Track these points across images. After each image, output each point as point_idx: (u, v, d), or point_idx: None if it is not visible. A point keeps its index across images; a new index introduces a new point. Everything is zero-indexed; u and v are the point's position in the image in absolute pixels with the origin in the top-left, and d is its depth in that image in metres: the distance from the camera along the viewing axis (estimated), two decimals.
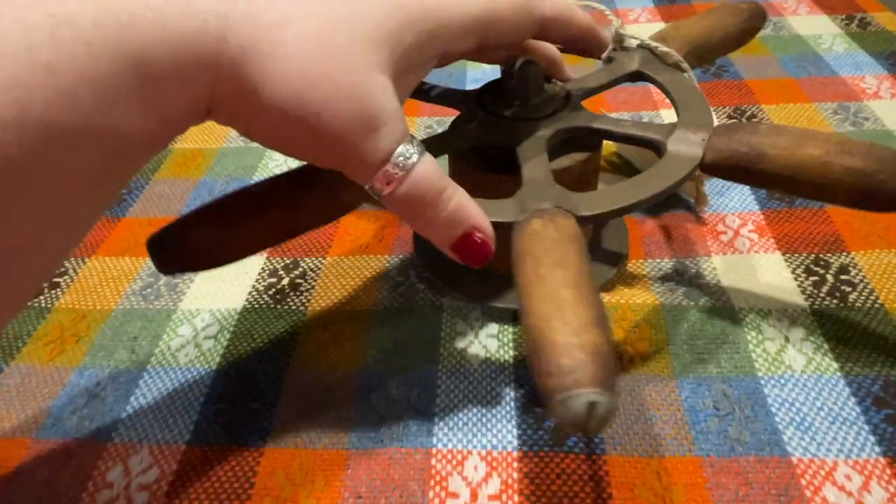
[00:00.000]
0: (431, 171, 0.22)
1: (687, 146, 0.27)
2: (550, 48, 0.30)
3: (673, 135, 0.27)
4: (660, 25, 0.58)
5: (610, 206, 0.24)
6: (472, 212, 0.23)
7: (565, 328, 0.19)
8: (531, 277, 0.21)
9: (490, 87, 0.31)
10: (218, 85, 0.18)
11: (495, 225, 0.24)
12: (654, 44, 0.32)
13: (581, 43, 0.29)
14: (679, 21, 0.34)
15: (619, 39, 0.31)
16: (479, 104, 0.30)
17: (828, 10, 0.58)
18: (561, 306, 0.19)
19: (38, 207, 0.17)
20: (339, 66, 0.19)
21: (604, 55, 0.30)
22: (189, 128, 0.20)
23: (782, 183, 0.25)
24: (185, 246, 0.25)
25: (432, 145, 0.28)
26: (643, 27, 0.58)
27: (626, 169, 0.41)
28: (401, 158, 0.21)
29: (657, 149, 0.28)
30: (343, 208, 0.26)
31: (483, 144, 0.29)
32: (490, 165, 0.29)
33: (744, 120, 0.45)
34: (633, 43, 0.33)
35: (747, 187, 0.39)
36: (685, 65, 0.31)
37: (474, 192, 0.24)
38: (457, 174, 0.30)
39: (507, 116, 0.29)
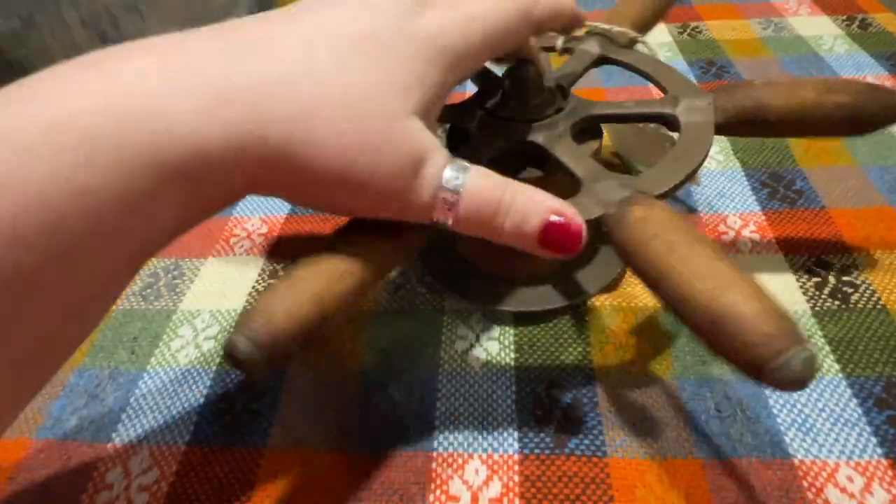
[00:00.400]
0: (482, 181, 0.21)
1: (699, 114, 0.28)
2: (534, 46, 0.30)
3: (679, 107, 0.29)
4: (660, 26, 0.58)
5: (672, 180, 0.25)
6: (540, 200, 0.22)
7: (746, 298, 0.19)
8: (672, 261, 0.20)
9: (484, 94, 0.31)
10: (257, 177, 0.19)
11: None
12: (606, 26, 0.34)
13: (571, 26, 0.29)
14: (618, 4, 0.36)
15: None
16: (485, 112, 0.30)
17: (829, 10, 0.58)
18: (727, 279, 0.19)
19: (63, 306, 0.17)
20: (375, 129, 0.19)
21: (558, 46, 0.31)
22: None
23: (784, 128, 0.28)
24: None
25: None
26: None
27: (622, 169, 0.41)
28: (450, 185, 0.21)
29: (669, 122, 0.29)
30: (412, 246, 0.24)
31: (513, 151, 0.28)
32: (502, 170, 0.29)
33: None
34: (581, 31, 0.34)
35: (748, 188, 0.39)
36: (642, 39, 0.33)
37: None
38: None
39: (525, 119, 0.29)
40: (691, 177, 0.26)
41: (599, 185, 0.25)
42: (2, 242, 0.14)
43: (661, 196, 0.24)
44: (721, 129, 0.28)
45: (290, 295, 0.20)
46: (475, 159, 0.26)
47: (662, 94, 0.31)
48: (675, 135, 0.30)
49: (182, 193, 0.17)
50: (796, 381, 0.17)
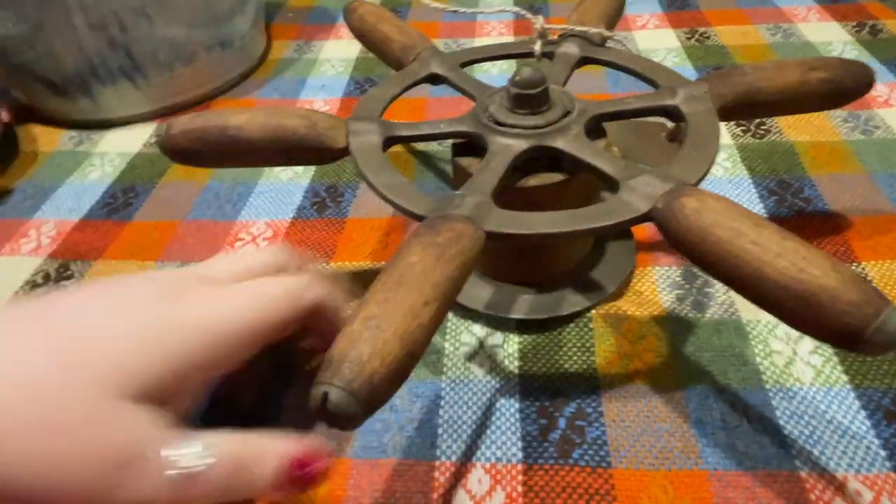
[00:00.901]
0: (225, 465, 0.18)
1: (699, 102, 0.29)
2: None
3: (678, 97, 0.30)
4: (668, 32, 0.58)
5: (701, 168, 0.26)
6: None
7: (826, 270, 0.19)
8: (743, 244, 0.21)
9: (485, 104, 0.31)
10: None
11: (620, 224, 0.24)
12: (582, 28, 0.35)
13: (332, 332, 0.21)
14: (580, 3, 0.38)
15: (544, 34, 0.33)
16: (495, 122, 0.29)
17: (838, 16, 0.58)
18: (803, 254, 0.20)
19: None
20: (67, 443, 0.17)
21: (537, 52, 0.32)
22: None
23: (776, 107, 0.30)
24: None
25: (485, 184, 0.26)
26: (652, 33, 0.58)
27: None
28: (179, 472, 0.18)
29: (672, 114, 0.30)
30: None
31: (529, 158, 0.28)
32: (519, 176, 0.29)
33: (752, 127, 0.44)
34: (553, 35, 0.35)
35: (756, 195, 0.38)
36: (616, 37, 0.35)
37: (523, 205, 0.25)
38: (507, 195, 0.27)
39: (538, 125, 0.28)
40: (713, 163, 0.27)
41: (638, 182, 0.25)
42: None
43: (696, 185, 0.25)
44: (720, 114, 0.29)
45: (373, 336, 0.19)
46: (491, 169, 0.26)
47: (653, 88, 0.32)
48: (668, 123, 0.31)
49: None
50: (893, 341, 0.18)
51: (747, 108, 0.30)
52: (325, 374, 0.18)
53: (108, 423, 0.18)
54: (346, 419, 0.18)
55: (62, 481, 0.17)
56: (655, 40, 0.57)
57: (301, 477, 0.20)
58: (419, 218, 0.25)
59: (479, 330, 0.32)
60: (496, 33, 0.61)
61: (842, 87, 0.30)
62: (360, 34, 0.39)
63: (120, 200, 0.43)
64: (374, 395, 0.18)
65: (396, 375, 0.19)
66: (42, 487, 0.17)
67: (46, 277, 0.37)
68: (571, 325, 0.32)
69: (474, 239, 0.23)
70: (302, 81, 0.55)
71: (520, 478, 0.26)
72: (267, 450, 0.19)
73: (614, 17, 0.38)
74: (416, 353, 0.19)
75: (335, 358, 0.18)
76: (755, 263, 0.20)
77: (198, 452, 0.18)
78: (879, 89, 0.47)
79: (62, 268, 0.38)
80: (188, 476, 0.18)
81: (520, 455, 0.26)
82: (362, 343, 0.18)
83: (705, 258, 0.22)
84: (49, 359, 0.18)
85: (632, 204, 0.24)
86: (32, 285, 0.37)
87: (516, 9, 0.35)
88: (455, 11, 0.38)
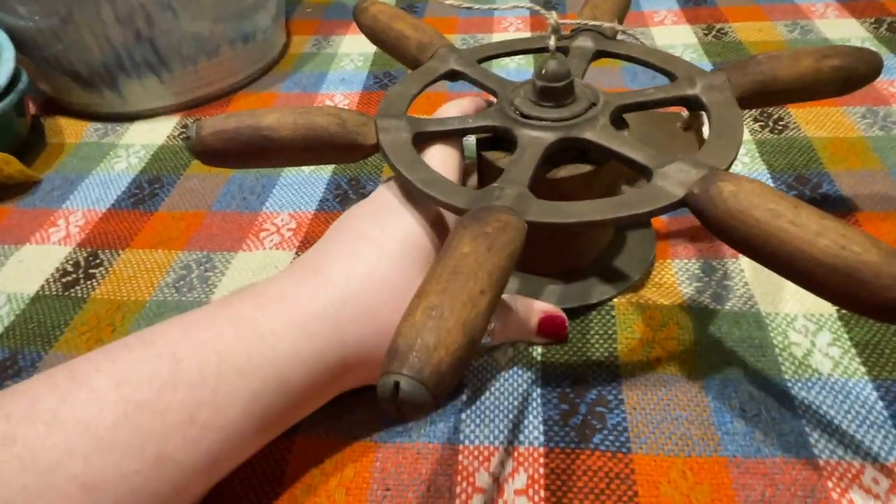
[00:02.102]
0: None
1: (719, 92, 0.30)
2: None
3: (698, 87, 0.31)
4: (686, 28, 0.58)
5: (731, 154, 0.26)
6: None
7: (866, 247, 0.20)
8: (783, 224, 0.21)
9: (509, 97, 0.31)
10: (346, 373, 0.26)
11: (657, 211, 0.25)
12: (595, 22, 0.36)
13: None
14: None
15: (557, 29, 0.33)
16: (521, 115, 0.30)
17: (856, 13, 0.58)
18: (842, 232, 0.20)
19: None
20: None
21: (552, 46, 0.32)
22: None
23: (793, 95, 0.31)
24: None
25: (521, 175, 0.27)
26: (669, 29, 0.58)
27: None
28: None
29: (692, 104, 0.31)
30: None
31: (559, 149, 0.29)
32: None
33: (770, 123, 0.45)
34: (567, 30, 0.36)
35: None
36: (629, 31, 0.36)
37: (552, 196, 0.26)
38: (536, 187, 0.27)
39: (566, 117, 0.29)
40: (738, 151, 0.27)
41: (670, 169, 0.25)
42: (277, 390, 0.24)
43: (726, 170, 0.25)
44: (742, 103, 0.30)
45: (437, 325, 0.19)
46: (524, 162, 0.27)
47: (669, 80, 0.33)
48: (683, 112, 0.32)
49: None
50: None
51: (765, 96, 0.31)
52: (393, 363, 0.18)
53: None
54: (416, 408, 0.18)
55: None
56: (673, 36, 0.57)
57: (554, 327, 0.30)
58: (460, 211, 0.25)
59: None
60: (513, 29, 0.61)
61: (855, 74, 0.31)
62: (373, 33, 0.39)
63: (146, 191, 0.44)
64: (443, 383, 0.18)
65: (460, 363, 0.19)
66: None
67: (76, 265, 0.38)
68: (594, 312, 0.32)
69: (519, 229, 0.23)
70: (322, 76, 0.56)
71: (541, 460, 0.26)
72: (533, 308, 0.30)
73: (624, 10, 0.39)
74: (476, 340, 0.20)
75: (401, 348, 0.18)
76: (796, 243, 0.21)
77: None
78: None
79: (91, 256, 0.39)
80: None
81: (541, 439, 0.27)
82: (427, 332, 0.19)
83: (745, 240, 0.22)
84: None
85: (668, 190, 0.25)
86: (63, 273, 0.38)
87: (530, 4, 0.36)
88: (470, 8, 0.39)
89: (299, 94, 0.54)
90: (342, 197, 0.42)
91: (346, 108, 0.51)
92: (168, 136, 0.50)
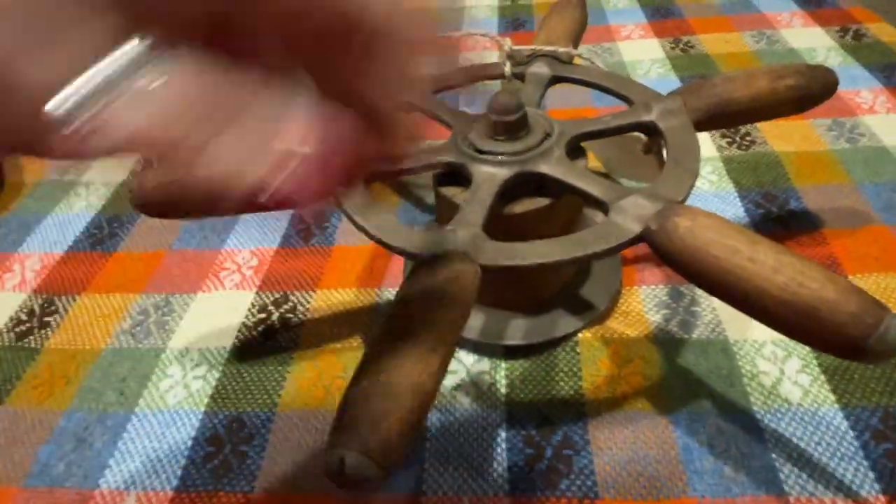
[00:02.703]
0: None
1: (675, 117, 0.30)
2: None
3: (654, 112, 0.30)
4: (653, 41, 0.58)
5: (686, 185, 0.26)
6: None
7: (823, 283, 0.19)
8: (740, 261, 0.21)
9: (463, 131, 0.30)
10: None
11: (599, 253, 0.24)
12: (550, 48, 0.35)
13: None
14: (544, 23, 0.38)
15: (512, 56, 0.33)
16: (475, 150, 0.29)
17: (822, 22, 0.58)
18: (799, 268, 0.20)
19: None
20: None
21: (507, 73, 0.32)
22: None
23: (749, 115, 0.31)
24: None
25: (475, 215, 0.26)
26: (636, 43, 0.58)
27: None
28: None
29: (649, 130, 0.30)
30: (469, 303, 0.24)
31: (515, 183, 0.28)
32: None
33: (738, 139, 0.44)
34: (524, 54, 0.35)
35: (742, 209, 0.38)
36: (584, 56, 0.36)
37: (510, 231, 0.25)
38: (492, 222, 0.26)
39: (521, 151, 0.28)
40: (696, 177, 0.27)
41: (626, 203, 0.25)
42: None
43: (682, 201, 0.25)
44: (696, 126, 0.30)
45: (385, 391, 0.18)
46: (478, 200, 0.26)
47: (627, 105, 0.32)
48: (643, 136, 0.32)
49: None
50: (894, 349, 0.19)
51: (721, 118, 0.31)
52: (340, 436, 0.17)
53: None
54: (364, 482, 0.17)
55: None
56: (640, 51, 0.57)
57: None
58: (413, 257, 0.24)
59: (466, 357, 0.32)
60: (480, 48, 0.61)
61: (810, 93, 0.31)
62: None
63: (105, 231, 0.43)
64: (392, 455, 0.17)
65: (411, 430, 0.18)
66: None
67: (31, 313, 0.37)
68: (559, 348, 0.31)
69: (473, 276, 0.22)
70: None
71: None
72: None
73: (579, 32, 0.39)
74: (427, 403, 0.19)
75: (347, 419, 0.17)
76: (754, 280, 0.20)
77: None
78: (864, 95, 0.47)
79: (47, 303, 0.38)
80: None
81: (507, 487, 0.26)
82: (373, 401, 0.18)
83: (703, 277, 0.22)
84: None
85: (624, 226, 0.24)
86: (17, 321, 0.37)
87: (485, 31, 0.36)
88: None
89: None
90: (305, 231, 0.41)
91: None
92: (130, 172, 0.49)
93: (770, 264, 0.20)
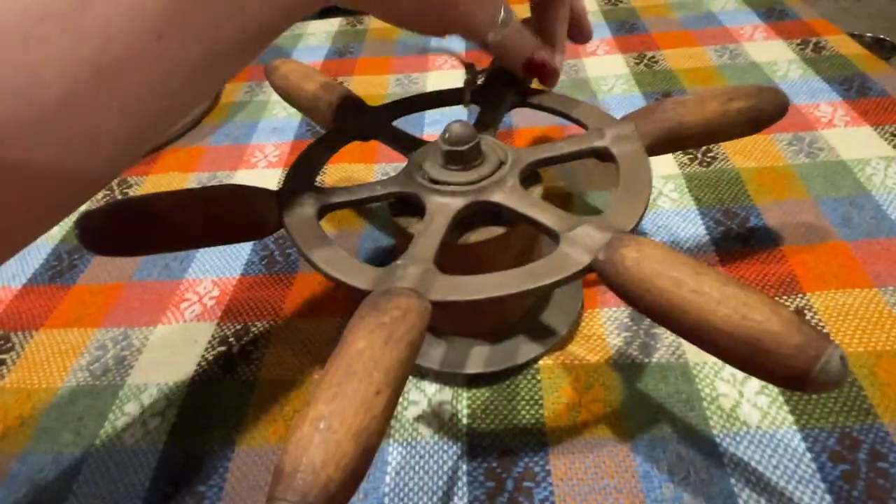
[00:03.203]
0: (516, 19, 0.31)
1: (627, 142, 0.30)
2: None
3: (607, 138, 0.30)
4: (618, 57, 0.58)
5: (637, 213, 0.26)
6: (531, 37, 0.33)
7: (768, 315, 0.19)
8: (684, 293, 0.21)
9: (422, 163, 0.30)
10: None
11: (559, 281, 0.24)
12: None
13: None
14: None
15: (471, 82, 0.34)
16: (429, 180, 0.29)
17: (784, 34, 0.59)
18: (743, 300, 0.20)
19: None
20: None
21: (466, 100, 0.34)
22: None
23: (700, 139, 0.31)
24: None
25: (426, 249, 0.26)
26: (601, 59, 0.58)
27: (559, 202, 0.41)
28: (505, 12, 0.30)
29: (602, 155, 0.31)
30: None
31: (468, 213, 0.28)
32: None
33: (699, 155, 0.45)
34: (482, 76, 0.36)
35: (702, 227, 0.39)
36: (537, 87, 0.36)
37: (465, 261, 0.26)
38: (447, 253, 0.26)
39: (474, 181, 0.28)
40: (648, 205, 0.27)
41: (577, 233, 0.25)
42: None
43: (633, 230, 0.25)
44: (651, 151, 0.30)
45: (325, 438, 0.18)
46: (431, 232, 0.26)
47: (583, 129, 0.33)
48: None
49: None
50: (837, 380, 0.19)
51: (673, 142, 0.31)
52: (278, 487, 0.17)
53: None
54: None
55: None
56: (605, 67, 0.57)
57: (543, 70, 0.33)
58: (362, 293, 0.24)
59: (427, 387, 0.31)
60: (448, 66, 0.61)
61: (762, 114, 0.31)
62: (286, 94, 0.38)
63: (65, 262, 0.42)
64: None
65: (353, 477, 0.18)
66: None
67: None
68: (520, 376, 0.31)
69: (421, 312, 0.22)
70: (253, 126, 0.55)
71: None
72: (531, 40, 0.33)
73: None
74: (371, 448, 0.18)
75: (286, 468, 0.17)
76: (698, 312, 0.20)
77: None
78: (823, 109, 0.48)
79: (2, 340, 0.37)
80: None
81: None
82: (313, 449, 0.17)
83: (649, 308, 0.22)
84: None
85: (573, 257, 0.24)
86: None
87: (457, 53, 0.36)
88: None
89: (229, 146, 0.53)
90: (268, 258, 0.40)
91: (276, 161, 0.50)
92: (91, 201, 0.48)
93: (714, 296, 0.20)
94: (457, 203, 0.28)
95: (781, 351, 0.19)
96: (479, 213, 0.29)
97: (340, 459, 0.18)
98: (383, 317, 0.21)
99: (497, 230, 0.28)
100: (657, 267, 0.22)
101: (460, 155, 0.28)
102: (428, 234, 0.26)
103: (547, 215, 0.26)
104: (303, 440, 0.18)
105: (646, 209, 0.26)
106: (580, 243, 0.24)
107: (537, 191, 0.30)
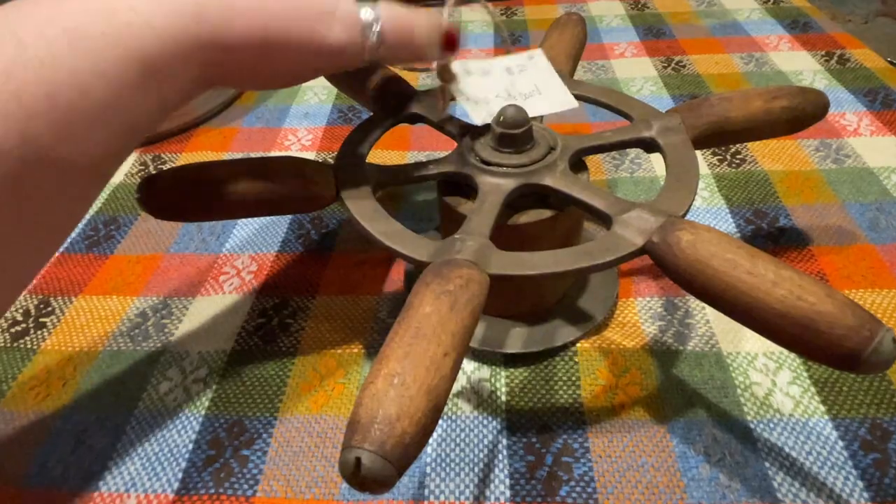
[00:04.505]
0: (391, 10, 0.26)
1: (674, 134, 0.31)
2: None
3: (654, 129, 0.31)
4: (645, 60, 0.59)
5: (687, 200, 0.27)
6: (433, 14, 0.27)
7: (822, 297, 0.20)
8: (740, 275, 0.22)
9: (470, 142, 0.31)
10: (203, 58, 0.23)
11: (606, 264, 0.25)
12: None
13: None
14: (545, 40, 0.39)
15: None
16: (481, 161, 0.30)
17: (808, 46, 0.60)
18: (798, 282, 0.21)
19: (55, 183, 0.21)
20: None
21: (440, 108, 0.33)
22: (188, 101, 0.24)
23: (745, 134, 0.32)
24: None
25: (482, 225, 0.27)
26: (629, 61, 0.59)
27: None
28: (369, 17, 0.25)
29: (649, 145, 0.32)
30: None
31: (519, 195, 0.29)
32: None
33: (728, 157, 0.45)
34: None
35: (733, 225, 0.39)
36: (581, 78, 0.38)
37: (515, 241, 0.26)
38: (496, 232, 0.27)
39: (526, 163, 0.29)
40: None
41: (630, 216, 0.26)
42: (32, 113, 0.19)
43: (683, 216, 0.26)
44: (697, 144, 0.31)
45: (399, 393, 0.18)
46: (485, 211, 0.27)
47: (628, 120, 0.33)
48: None
49: (150, 83, 0.22)
50: (889, 360, 0.19)
51: (718, 136, 0.32)
52: (355, 437, 0.17)
53: None
54: (380, 484, 0.17)
55: (295, 19, 0.24)
56: (633, 69, 0.58)
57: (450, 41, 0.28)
58: (422, 264, 0.25)
59: (466, 364, 0.32)
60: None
61: (803, 114, 0.32)
62: (333, 77, 0.39)
63: (102, 233, 0.43)
64: (407, 456, 0.18)
65: (425, 432, 0.18)
66: (280, 28, 0.23)
67: (26, 314, 0.37)
68: (557, 357, 0.32)
69: (482, 284, 0.23)
70: (285, 110, 0.56)
71: None
72: (425, 21, 0.27)
73: (579, 49, 0.39)
74: (440, 406, 0.19)
75: (363, 420, 0.18)
76: (753, 293, 0.21)
77: (366, 10, 0.25)
78: (848, 118, 0.49)
79: (42, 304, 0.38)
80: (367, 26, 0.25)
81: (508, 493, 0.26)
82: (389, 402, 0.18)
83: (704, 289, 0.23)
84: None
85: (628, 239, 0.25)
86: (12, 322, 0.36)
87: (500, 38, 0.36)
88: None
89: (261, 128, 0.53)
90: (305, 237, 0.41)
91: (309, 145, 0.50)
92: (126, 174, 0.49)
93: (770, 278, 0.21)
94: (509, 184, 0.28)
95: (835, 332, 0.20)
96: (528, 197, 0.29)
97: (414, 414, 0.18)
98: (448, 284, 0.22)
99: (546, 213, 0.29)
100: (713, 249, 0.23)
101: (513, 138, 0.29)
102: (482, 212, 0.27)
103: (599, 199, 0.27)
104: (378, 394, 0.18)
105: (694, 196, 0.27)
106: (633, 226, 0.25)
107: (584, 176, 0.30)
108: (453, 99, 0.32)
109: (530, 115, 0.30)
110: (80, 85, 0.20)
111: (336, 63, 0.26)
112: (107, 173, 0.23)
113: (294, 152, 0.50)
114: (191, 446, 0.29)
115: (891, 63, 0.58)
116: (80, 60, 0.20)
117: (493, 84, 0.33)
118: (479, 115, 0.31)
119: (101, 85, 0.20)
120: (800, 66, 0.57)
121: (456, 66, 0.31)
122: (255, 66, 0.24)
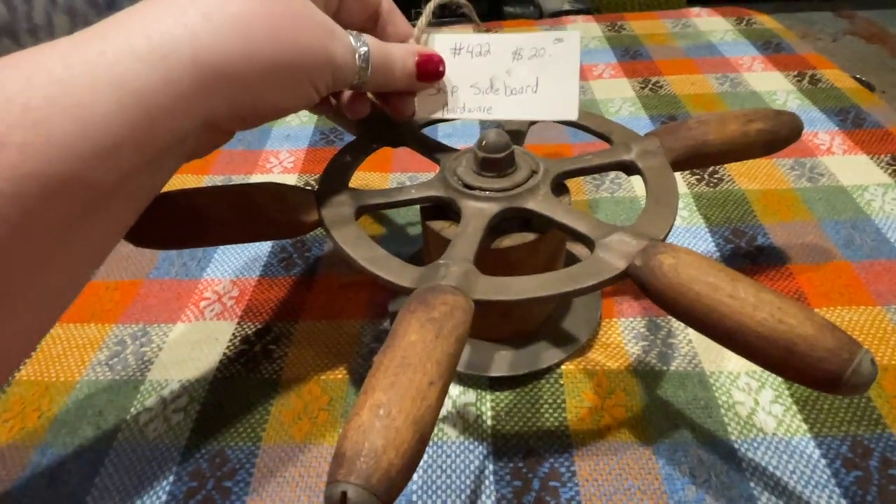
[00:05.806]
0: (376, 43, 0.27)
1: (653, 157, 0.31)
2: None
3: (633, 152, 0.32)
4: (623, 81, 0.60)
5: (667, 223, 0.27)
6: (406, 46, 0.30)
7: (802, 320, 0.20)
8: (721, 298, 0.22)
9: (455, 169, 0.31)
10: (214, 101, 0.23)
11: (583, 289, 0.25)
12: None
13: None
14: None
15: None
16: (463, 185, 0.30)
17: (780, 66, 0.61)
18: (778, 305, 0.21)
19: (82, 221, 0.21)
20: (287, 13, 0.24)
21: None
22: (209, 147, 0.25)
23: (723, 156, 0.32)
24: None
25: (466, 250, 0.26)
26: (607, 82, 0.60)
27: None
28: (359, 46, 0.27)
29: (629, 168, 0.32)
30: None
31: (501, 219, 0.29)
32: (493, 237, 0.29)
33: (706, 176, 0.46)
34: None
35: (713, 244, 0.40)
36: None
37: (498, 265, 0.26)
38: (479, 256, 0.27)
39: (508, 188, 0.29)
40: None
41: (612, 240, 0.26)
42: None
43: (664, 239, 0.26)
44: (675, 166, 0.31)
45: (385, 424, 0.18)
46: (468, 235, 0.27)
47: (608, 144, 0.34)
48: None
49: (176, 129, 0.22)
50: (868, 382, 0.20)
51: (696, 159, 0.32)
52: (341, 470, 0.17)
53: (312, 9, 0.25)
54: None
55: (298, 44, 0.24)
56: (611, 90, 0.59)
57: (431, 69, 0.30)
58: (406, 291, 0.25)
59: (452, 389, 0.32)
60: None
61: (778, 137, 0.33)
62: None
63: None
64: (393, 488, 0.18)
65: (411, 463, 0.18)
66: (287, 53, 0.24)
67: None
68: (543, 380, 0.32)
69: (466, 310, 0.23)
70: (266, 132, 0.56)
71: None
72: (401, 51, 0.29)
73: None
74: (426, 436, 0.19)
75: (349, 452, 0.18)
76: (734, 316, 0.21)
77: (355, 37, 0.27)
78: (821, 137, 0.50)
79: None
80: (356, 48, 0.26)
81: None
82: (375, 434, 0.18)
83: (686, 313, 0.23)
84: None
85: (610, 263, 0.25)
86: None
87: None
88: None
89: (243, 150, 0.53)
90: (287, 261, 0.41)
91: (291, 167, 0.50)
92: None
93: (750, 301, 0.22)
94: (492, 208, 0.29)
95: (815, 354, 0.20)
96: (510, 220, 0.30)
97: (400, 445, 0.18)
98: (432, 312, 0.22)
99: (530, 236, 0.29)
100: (694, 272, 0.23)
101: (496, 162, 0.29)
102: (465, 236, 0.27)
103: (582, 223, 0.27)
104: (363, 426, 0.18)
105: (674, 219, 0.28)
106: (616, 249, 0.25)
107: (566, 199, 0.31)
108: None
109: (510, 117, 0.30)
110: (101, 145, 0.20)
111: (338, 80, 0.26)
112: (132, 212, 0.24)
113: (276, 175, 0.50)
114: (171, 478, 0.29)
115: (857, 80, 0.59)
116: (99, 115, 0.20)
117: (481, 68, 0.30)
118: (426, 104, 0.31)
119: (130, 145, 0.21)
120: (773, 86, 0.58)
121: (445, 38, 0.31)
122: (267, 90, 0.24)
